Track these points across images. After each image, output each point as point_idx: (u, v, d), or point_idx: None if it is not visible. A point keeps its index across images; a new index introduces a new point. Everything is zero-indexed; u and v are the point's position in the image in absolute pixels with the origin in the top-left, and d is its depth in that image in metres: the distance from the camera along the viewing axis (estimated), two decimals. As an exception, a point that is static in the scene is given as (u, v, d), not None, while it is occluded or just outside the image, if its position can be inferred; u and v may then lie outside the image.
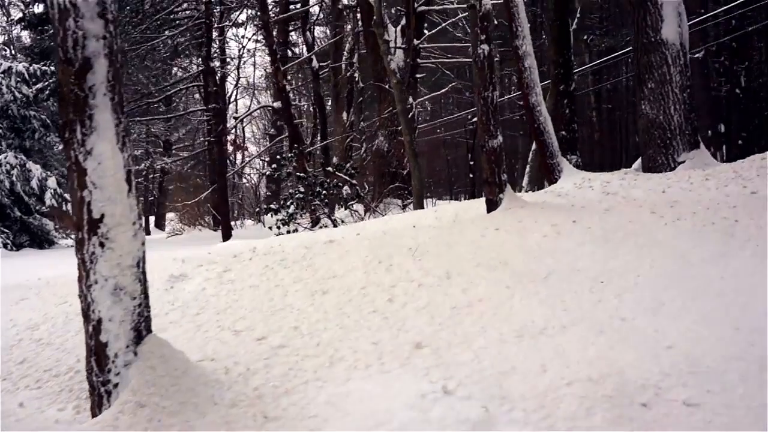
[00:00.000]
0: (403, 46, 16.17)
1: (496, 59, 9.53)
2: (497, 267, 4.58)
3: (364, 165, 18.26)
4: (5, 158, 17.89)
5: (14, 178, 17.97)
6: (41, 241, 19.28)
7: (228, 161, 20.87)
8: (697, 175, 6.85)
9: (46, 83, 19.56)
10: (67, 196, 19.34)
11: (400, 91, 11.95)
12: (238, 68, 24.50)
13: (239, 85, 26.63)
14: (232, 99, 28.02)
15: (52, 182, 18.79)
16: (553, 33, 10.09)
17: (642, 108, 8.03)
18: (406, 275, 4.58)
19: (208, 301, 4.81)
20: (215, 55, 20.64)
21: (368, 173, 17.30)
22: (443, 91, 19.99)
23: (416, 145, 21.57)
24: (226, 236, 16.49)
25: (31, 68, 18.92)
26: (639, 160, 8.33)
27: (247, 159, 19.70)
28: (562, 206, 6.34)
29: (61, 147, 21.54)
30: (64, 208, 18.96)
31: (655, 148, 7.93)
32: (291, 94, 19.59)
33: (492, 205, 6.45)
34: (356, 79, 19.92)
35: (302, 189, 13.28)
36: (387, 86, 15.82)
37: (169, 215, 28.58)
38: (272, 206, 13.57)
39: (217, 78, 21.04)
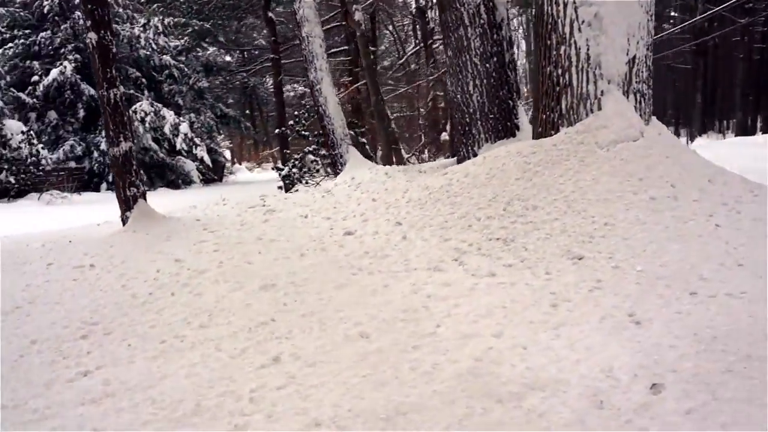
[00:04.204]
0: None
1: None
2: None
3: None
4: (140, 106, 20.25)
5: (148, 125, 20.29)
6: (181, 180, 21.66)
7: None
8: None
9: (181, 36, 21.43)
10: (197, 140, 21.38)
11: (364, 45, 10.55)
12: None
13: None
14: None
15: (184, 127, 20.80)
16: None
17: (446, 82, 5.95)
18: None
19: None
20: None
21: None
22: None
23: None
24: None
25: (166, 21, 20.77)
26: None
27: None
28: (180, 227, 5.15)
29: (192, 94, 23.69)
30: (193, 151, 20.97)
31: (458, 136, 5.92)
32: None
33: (124, 222, 5.52)
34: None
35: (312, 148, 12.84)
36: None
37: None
38: (279, 166, 13.34)
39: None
